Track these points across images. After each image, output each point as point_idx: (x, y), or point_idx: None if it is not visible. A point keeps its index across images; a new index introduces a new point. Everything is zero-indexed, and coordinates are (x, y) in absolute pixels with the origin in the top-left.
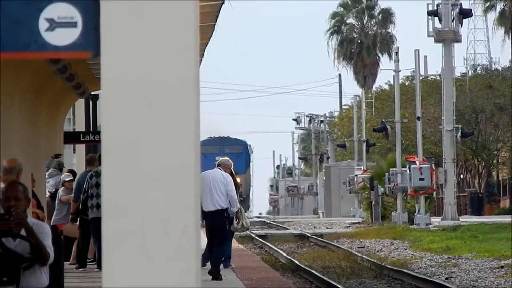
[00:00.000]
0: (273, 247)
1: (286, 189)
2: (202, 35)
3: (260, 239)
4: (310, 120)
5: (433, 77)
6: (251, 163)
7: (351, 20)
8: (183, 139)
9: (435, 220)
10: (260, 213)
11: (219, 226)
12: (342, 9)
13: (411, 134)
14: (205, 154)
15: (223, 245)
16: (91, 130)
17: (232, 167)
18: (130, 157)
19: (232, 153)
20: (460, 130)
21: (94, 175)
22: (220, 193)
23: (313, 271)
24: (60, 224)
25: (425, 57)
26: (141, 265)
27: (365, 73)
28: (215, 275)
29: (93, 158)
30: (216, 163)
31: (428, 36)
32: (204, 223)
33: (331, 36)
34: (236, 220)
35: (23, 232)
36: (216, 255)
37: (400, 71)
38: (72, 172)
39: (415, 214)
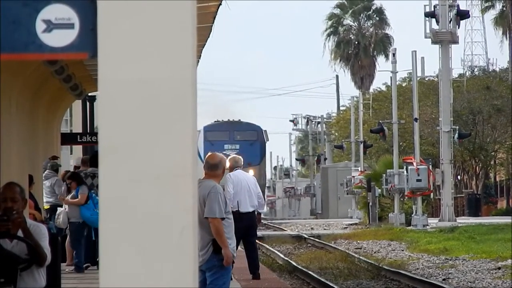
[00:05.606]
0: (270, 248)
1: (283, 190)
2: (199, 36)
3: (257, 241)
4: (307, 122)
5: (430, 78)
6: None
7: (347, 21)
8: (180, 140)
9: (432, 221)
10: None
11: (253, 226)
12: (338, 10)
13: (408, 135)
14: (212, 141)
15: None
16: (88, 131)
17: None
18: (127, 157)
19: (244, 141)
20: (457, 131)
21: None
22: (255, 194)
23: (310, 272)
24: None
25: (422, 58)
26: (138, 266)
27: (362, 75)
28: (256, 275)
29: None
30: (229, 164)
31: (425, 37)
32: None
33: (328, 38)
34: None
35: (20, 233)
36: (253, 255)
37: (397, 72)
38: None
39: (412, 215)
